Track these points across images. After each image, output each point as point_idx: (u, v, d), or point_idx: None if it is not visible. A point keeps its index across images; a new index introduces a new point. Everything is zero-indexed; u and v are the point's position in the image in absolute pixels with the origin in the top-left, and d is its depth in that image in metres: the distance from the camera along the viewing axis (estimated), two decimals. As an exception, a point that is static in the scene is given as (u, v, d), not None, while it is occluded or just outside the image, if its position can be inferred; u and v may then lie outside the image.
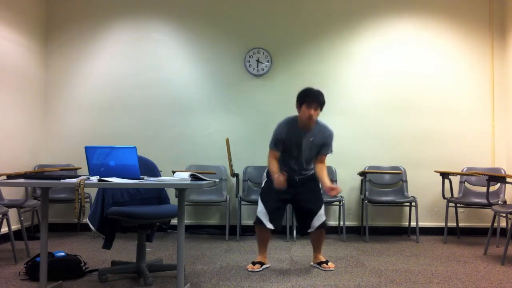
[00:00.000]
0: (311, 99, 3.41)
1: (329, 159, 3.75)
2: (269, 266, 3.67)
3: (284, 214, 3.70)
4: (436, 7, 5.30)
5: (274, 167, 3.51)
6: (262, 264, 3.60)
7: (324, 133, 3.55)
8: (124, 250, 4.26)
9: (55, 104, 5.44)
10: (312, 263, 3.71)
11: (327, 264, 3.59)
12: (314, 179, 3.64)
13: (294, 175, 3.59)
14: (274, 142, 3.55)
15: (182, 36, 5.43)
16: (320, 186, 3.63)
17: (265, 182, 3.67)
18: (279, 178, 3.35)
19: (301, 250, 4.26)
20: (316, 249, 3.70)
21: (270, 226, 3.52)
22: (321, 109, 3.49)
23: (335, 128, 3.69)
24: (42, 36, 5.42)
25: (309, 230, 3.57)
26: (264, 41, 5.36)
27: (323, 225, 3.56)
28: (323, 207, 3.60)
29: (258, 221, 3.54)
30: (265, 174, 3.72)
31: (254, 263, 3.58)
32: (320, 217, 3.54)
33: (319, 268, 3.59)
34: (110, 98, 5.41)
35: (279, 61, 5.36)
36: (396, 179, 5.17)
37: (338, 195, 4.91)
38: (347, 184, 5.24)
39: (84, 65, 5.45)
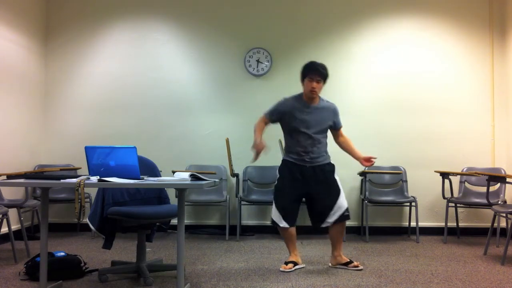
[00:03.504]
0: (312, 72, 3.48)
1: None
2: (303, 267, 3.60)
3: (299, 209, 3.60)
4: (436, 7, 5.30)
5: (259, 130, 3.55)
6: (295, 263, 3.55)
7: (330, 108, 3.62)
8: (124, 250, 4.26)
9: (55, 104, 5.44)
10: (331, 264, 3.62)
11: (354, 263, 3.51)
12: (327, 169, 3.57)
13: (306, 159, 3.50)
14: (270, 110, 3.60)
15: (182, 36, 5.43)
16: (336, 176, 3.58)
17: (277, 179, 3.60)
18: (258, 143, 3.44)
19: (300, 250, 4.25)
20: (336, 247, 3.58)
21: (284, 224, 3.49)
22: (324, 82, 3.53)
23: (335, 128, 3.69)
24: (42, 36, 5.42)
25: (324, 226, 3.51)
26: (264, 41, 5.36)
27: (343, 217, 3.48)
28: (340, 197, 3.51)
29: (273, 222, 3.53)
30: (277, 172, 3.65)
31: (286, 263, 3.54)
32: (338, 210, 3.47)
33: (346, 268, 3.51)
34: (110, 98, 5.41)
35: (279, 61, 5.36)
36: (396, 179, 5.17)
37: None
38: (347, 184, 5.23)
39: (84, 65, 5.45)
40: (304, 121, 3.50)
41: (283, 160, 3.64)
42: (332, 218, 3.47)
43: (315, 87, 3.46)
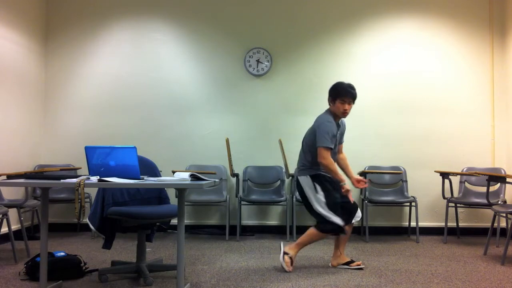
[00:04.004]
0: (344, 94, 3.47)
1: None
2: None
3: None
4: (436, 7, 5.31)
5: (338, 171, 3.49)
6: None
7: (343, 123, 3.68)
8: (124, 250, 4.26)
9: (55, 104, 5.44)
10: (332, 264, 3.63)
11: (355, 262, 3.60)
12: None
13: None
14: (330, 139, 3.42)
15: (182, 36, 5.43)
16: None
17: (325, 194, 3.48)
18: (347, 186, 3.45)
19: (300, 250, 4.25)
20: (340, 247, 3.62)
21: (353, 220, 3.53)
22: (353, 102, 3.55)
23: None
24: (42, 36, 5.42)
25: (353, 221, 3.53)
26: (264, 41, 5.36)
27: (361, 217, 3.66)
28: None
29: (339, 227, 3.42)
30: (310, 181, 3.52)
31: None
32: (359, 210, 3.58)
33: (347, 268, 3.56)
34: (110, 98, 5.41)
35: (279, 61, 5.36)
36: (396, 179, 5.17)
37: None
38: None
39: (84, 65, 5.45)
40: (337, 140, 3.58)
41: (318, 175, 3.52)
42: (359, 214, 3.56)
43: (347, 109, 3.50)
